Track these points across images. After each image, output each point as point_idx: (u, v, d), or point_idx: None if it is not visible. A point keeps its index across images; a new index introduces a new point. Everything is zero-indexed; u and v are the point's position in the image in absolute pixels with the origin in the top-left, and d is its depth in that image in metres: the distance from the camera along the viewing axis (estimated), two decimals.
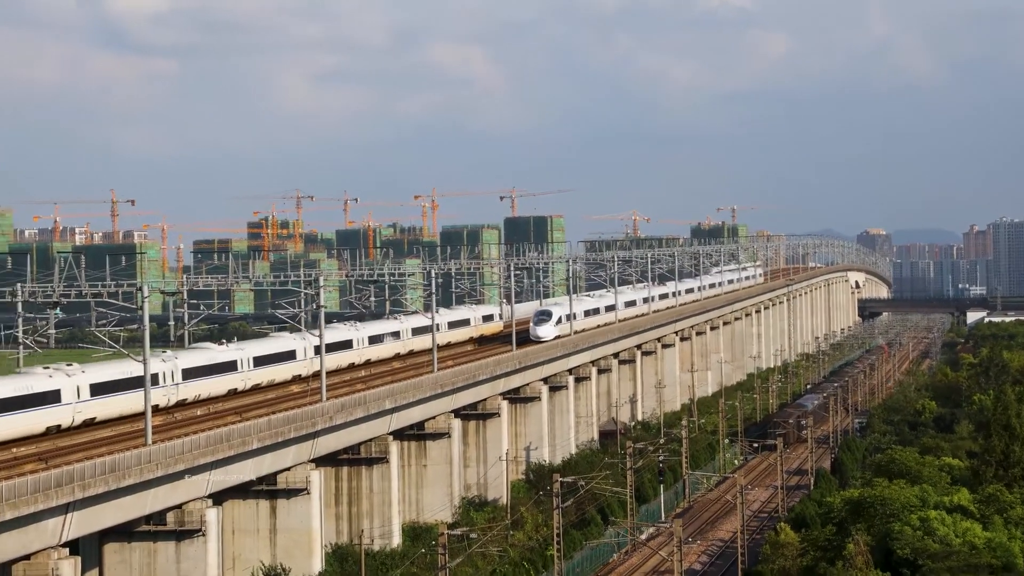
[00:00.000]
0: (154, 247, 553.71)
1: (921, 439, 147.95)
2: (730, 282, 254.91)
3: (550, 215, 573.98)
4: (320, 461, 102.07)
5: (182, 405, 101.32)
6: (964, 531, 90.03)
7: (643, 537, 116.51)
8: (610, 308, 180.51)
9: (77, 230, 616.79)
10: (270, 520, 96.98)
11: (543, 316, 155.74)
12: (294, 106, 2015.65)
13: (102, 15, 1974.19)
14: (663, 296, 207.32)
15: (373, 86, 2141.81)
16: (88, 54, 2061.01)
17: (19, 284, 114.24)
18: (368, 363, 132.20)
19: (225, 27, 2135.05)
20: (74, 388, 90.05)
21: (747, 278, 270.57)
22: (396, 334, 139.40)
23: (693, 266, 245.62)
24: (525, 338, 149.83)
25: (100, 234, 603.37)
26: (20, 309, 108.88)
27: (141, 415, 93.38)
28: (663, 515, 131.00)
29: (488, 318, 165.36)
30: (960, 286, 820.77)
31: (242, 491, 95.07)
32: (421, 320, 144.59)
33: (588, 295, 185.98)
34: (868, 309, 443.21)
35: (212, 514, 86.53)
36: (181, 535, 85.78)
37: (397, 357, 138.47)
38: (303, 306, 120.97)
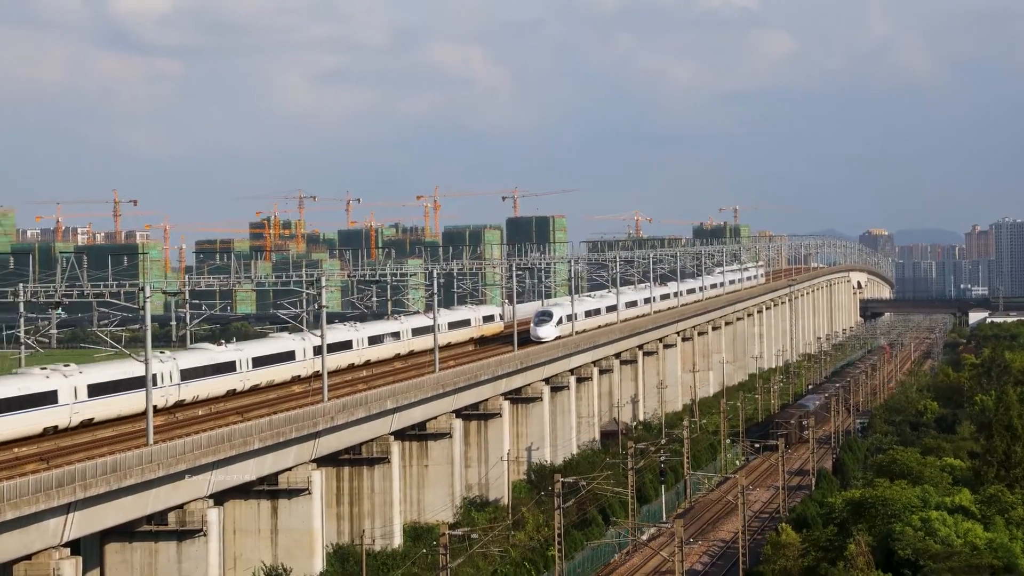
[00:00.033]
0: (156, 247, 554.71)
1: (923, 440, 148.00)
2: (732, 283, 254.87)
3: (552, 215, 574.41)
4: (321, 461, 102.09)
5: (180, 406, 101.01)
6: (965, 532, 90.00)
7: (644, 537, 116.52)
8: (611, 309, 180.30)
9: (79, 230, 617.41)
10: (271, 520, 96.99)
11: (544, 317, 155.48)
12: (296, 106, 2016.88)
13: (106, 15, 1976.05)
14: (664, 296, 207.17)
15: (375, 86, 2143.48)
16: (92, 54, 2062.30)
17: (21, 284, 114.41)
18: (368, 364, 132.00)
19: (228, 28, 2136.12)
20: (71, 389, 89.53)
21: (748, 278, 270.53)
22: (396, 335, 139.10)
23: (695, 266, 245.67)
24: (526, 339, 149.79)
25: (102, 234, 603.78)
26: (22, 309, 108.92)
27: (139, 416, 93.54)
28: (664, 515, 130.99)
29: (489, 318, 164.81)
30: (962, 286, 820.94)
31: (243, 491, 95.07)
32: (421, 321, 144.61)
33: (589, 295, 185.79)
34: (870, 309, 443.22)
35: (213, 514, 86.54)
36: (182, 535, 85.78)
37: (397, 358, 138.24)
38: (305, 306, 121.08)
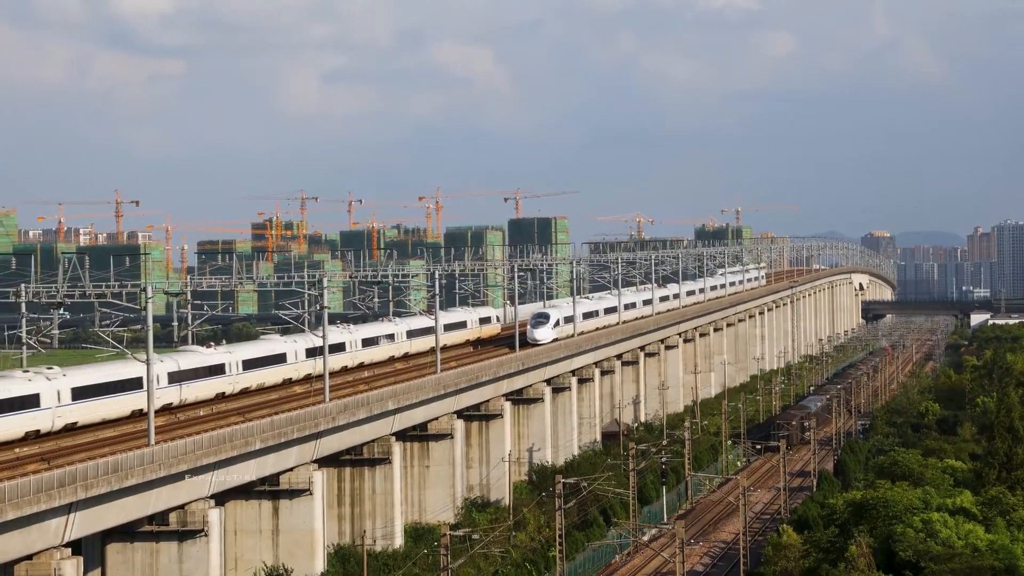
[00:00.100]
0: (158, 248, 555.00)
1: (924, 441, 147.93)
2: (732, 284, 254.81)
3: (554, 216, 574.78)
4: (323, 462, 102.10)
5: (167, 410, 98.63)
6: (966, 533, 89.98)
7: (645, 538, 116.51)
8: (609, 310, 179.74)
9: (81, 231, 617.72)
10: (272, 521, 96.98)
11: (540, 319, 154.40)
12: (299, 106, 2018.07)
13: (107, 15, 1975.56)
14: (663, 299, 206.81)
15: (378, 86, 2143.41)
16: (93, 54, 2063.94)
17: (23, 284, 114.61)
18: (361, 366, 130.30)
19: (231, 28, 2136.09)
20: (54, 392, 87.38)
21: (750, 280, 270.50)
22: (391, 336, 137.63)
23: (697, 268, 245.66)
24: (523, 341, 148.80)
25: (104, 235, 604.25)
26: (24, 309, 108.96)
27: (126, 420, 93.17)
28: (665, 516, 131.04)
29: (486, 320, 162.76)
30: (964, 288, 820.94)
31: (244, 492, 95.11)
32: (416, 323, 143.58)
33: (587, 297, 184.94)
34: (872, 311, 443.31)
35: (214, 514, 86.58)
36: (183, 535, 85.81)
37: (392, 360, 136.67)
38: (307, 307, 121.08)
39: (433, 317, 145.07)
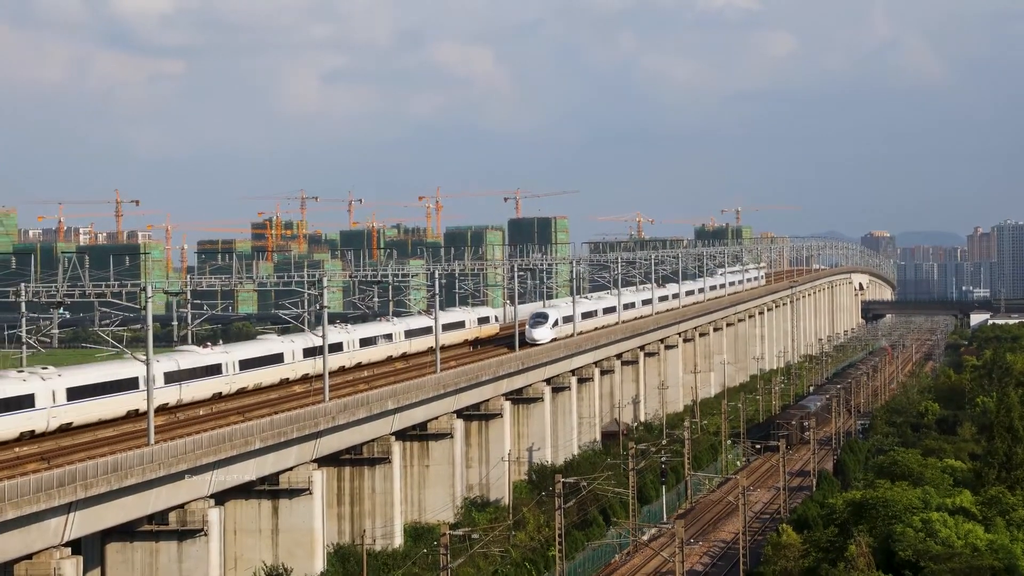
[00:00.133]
0: (158, 247, 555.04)
1: (924, 441, 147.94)
2: (732, 284, 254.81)
3: (554, 216, 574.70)
4: (322, 461, 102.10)
5: (164, 410, 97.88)
6: (966, 533, 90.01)
7: (645, 538, 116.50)
8: (608, 310, 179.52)
9: (81, 230, 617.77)
10: (272, 520, 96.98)
11: (539, 319, 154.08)
12: (299, 106, 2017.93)
13: (107, 15, 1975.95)
14: (663, 298, 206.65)
15: (378, 86, 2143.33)
16: (94, 54, 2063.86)
17: (23, 284, 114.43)
18: (359, 366, 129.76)
19: (231, 28, 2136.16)
20: (49, 392, 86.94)
21: (749, 280, 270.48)
22: (389, 336, 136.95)
23: (697, 268, 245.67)
24: (522, 341, 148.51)
25: (104, 234, 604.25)
26: (24, 309, 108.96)
27: (122, 420, 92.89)
28: (665, 516, 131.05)
29: (484, 320, 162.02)
30: (964, 288, 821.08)
31: (244, 491, 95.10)
32: (414, 322, 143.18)
33: (585, 297, 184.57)
34: (872, 311, 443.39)
35: (214, 514, 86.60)
36: (183, 535, 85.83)
37: (389, 360, 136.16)
38: (307, 307, 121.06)
39: (431, 317, 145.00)
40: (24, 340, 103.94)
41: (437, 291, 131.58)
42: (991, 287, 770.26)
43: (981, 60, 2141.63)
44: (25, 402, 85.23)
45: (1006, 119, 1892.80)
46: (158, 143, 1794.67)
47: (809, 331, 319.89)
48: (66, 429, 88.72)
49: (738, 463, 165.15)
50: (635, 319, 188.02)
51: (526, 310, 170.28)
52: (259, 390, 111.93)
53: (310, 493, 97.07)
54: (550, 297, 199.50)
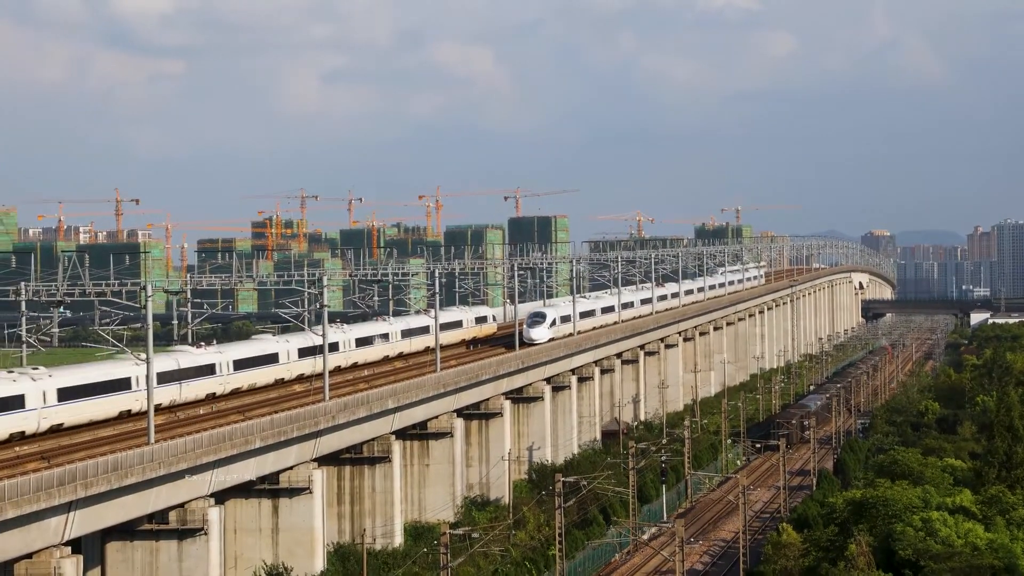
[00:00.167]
0: (158, 246, 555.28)
1: (924, 440, 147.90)
2: (731, 283, 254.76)
3: (554, 215, 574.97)
4: (322, 460, 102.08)
5: (156, 411, 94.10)
6: (966, 532, 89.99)
7: (645, 537, 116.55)
8: (606, 310, 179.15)
9: (81, 229, 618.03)
10: (272, 519, 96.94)
11: (537, 318, 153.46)
12: (299, 106, 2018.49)
13: (107, 15, 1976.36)
14: (662, 298, 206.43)
15: (378, 86, 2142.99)
16: (94, 54, 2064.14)
17: (23, 283, 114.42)
18: (355, 366, 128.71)
19: (231, 27, 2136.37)
20: (39, 393, 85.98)
21: (749, 279, 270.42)
22: (385, 336, 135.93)
23: (697, 267, 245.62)
24: (519, 340, 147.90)
25: (104, 233, 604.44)
26: (24, 308, 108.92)
27: (114, 421, 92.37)
28: (665, 515, 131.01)
29: (482, 320, 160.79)
30: (964, 287, 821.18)
31: (244, 490, 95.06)
32: (410, 322, 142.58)
33: (584, 297, 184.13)
34: (872, 310, 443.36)
35: (214, 513, 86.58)
36: (183, 534, 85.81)
37: (386, 360, 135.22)
38: (306, 306, 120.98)
39: (430, 316, 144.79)
40: (24, 339, 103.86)
41: (437, 290, 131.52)
42: (991, 286, 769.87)
43: (981, 60, 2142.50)
44: (15, 403, 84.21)
45: (1006, 119, 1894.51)
46: (158, 143, 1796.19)
47: (809, 330, 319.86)
48: (57, 430, 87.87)
49: (738, 462, 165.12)
50: (634, 319, 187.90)
51: (526, 309, 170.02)
52: (255, 390, 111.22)
53: (310, 492, 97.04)
54: (550, 296, 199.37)
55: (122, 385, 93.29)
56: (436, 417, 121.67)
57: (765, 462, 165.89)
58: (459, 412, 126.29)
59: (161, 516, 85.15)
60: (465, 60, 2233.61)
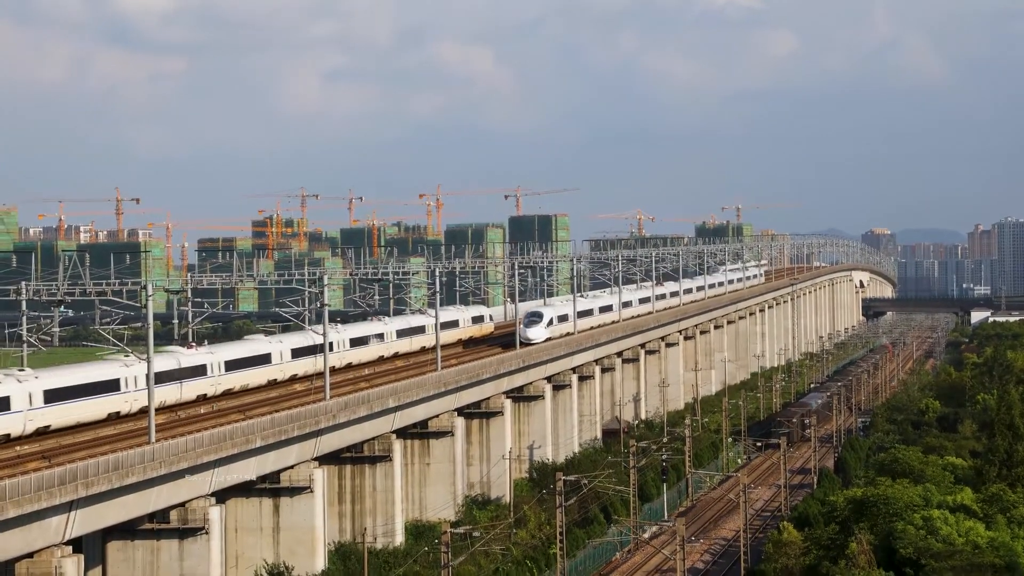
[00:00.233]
0: (159, 245, 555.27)
1: (924, 438, 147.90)
2: (731, 282, 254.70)
3: (555, 214, 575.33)
4: (323, 459, 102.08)
5: (146, 412, 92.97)
6: (967, 530, 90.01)
7: (646, 536, 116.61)
8: (604, 309, 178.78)
9: (82, 228, 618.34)
10: (273, 518, 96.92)
11: (534, 318, 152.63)
12: (300, 105, 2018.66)
13: (108, 13, 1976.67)
14: (661, 297, 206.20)
15: (379, 86, 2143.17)
16: (95, 53, 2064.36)
17: (24, 282, 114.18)
18: (349, 366, 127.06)
19: (232, 25, 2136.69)
20: (25, 395, 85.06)
21: (749, 277, 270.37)
22: (380, 336, 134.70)
23: (697, 265, 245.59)
24: (515, 340, 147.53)
25: (105, 232, 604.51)
26: (24, 307, 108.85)
27: (103, 423, 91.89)
28: (666, 514, 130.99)
29: (478, 319, 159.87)
30: (964, 286, 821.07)
31: (245, 489, 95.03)
32: (406, 322, 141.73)
33: (582, 296, 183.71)
34: (872, 308, 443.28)
35: (215, 512, 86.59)
36: (184, 533, 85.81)
37: (380, 360, 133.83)
38: (307, 305, 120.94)
39: (425, 315, 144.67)
40: (25, 339, 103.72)
41: (438, 289, 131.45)
42: (992, 284, 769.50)
43: (981, 60, 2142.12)
44: (0, 405, 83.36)
45: (1006, 119, 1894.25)
46: (158, 142, 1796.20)
47: (810, 328, 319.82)
48: (43, 432, 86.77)
49: (739, 461, 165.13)
50: (632, 318, 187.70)
51: (527, 307, 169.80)
52: (251, 390, 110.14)
53: (311, 491, 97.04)
54: (551, 295, 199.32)
55: (111, 386, 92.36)
56: (437, 416, 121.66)
57: (766, 461, 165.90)
58: (460, 411, 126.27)
59: (162, 515, 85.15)
60: (466, 59, 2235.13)
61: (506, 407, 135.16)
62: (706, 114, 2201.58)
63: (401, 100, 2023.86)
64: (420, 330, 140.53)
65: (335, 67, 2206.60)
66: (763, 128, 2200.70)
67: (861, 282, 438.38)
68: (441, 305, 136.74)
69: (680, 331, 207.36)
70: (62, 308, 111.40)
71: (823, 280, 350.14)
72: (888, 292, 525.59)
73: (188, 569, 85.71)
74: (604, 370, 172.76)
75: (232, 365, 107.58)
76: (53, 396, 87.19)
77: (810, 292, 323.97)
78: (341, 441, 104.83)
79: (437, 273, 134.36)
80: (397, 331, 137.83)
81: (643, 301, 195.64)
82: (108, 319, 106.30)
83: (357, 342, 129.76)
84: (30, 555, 73.15)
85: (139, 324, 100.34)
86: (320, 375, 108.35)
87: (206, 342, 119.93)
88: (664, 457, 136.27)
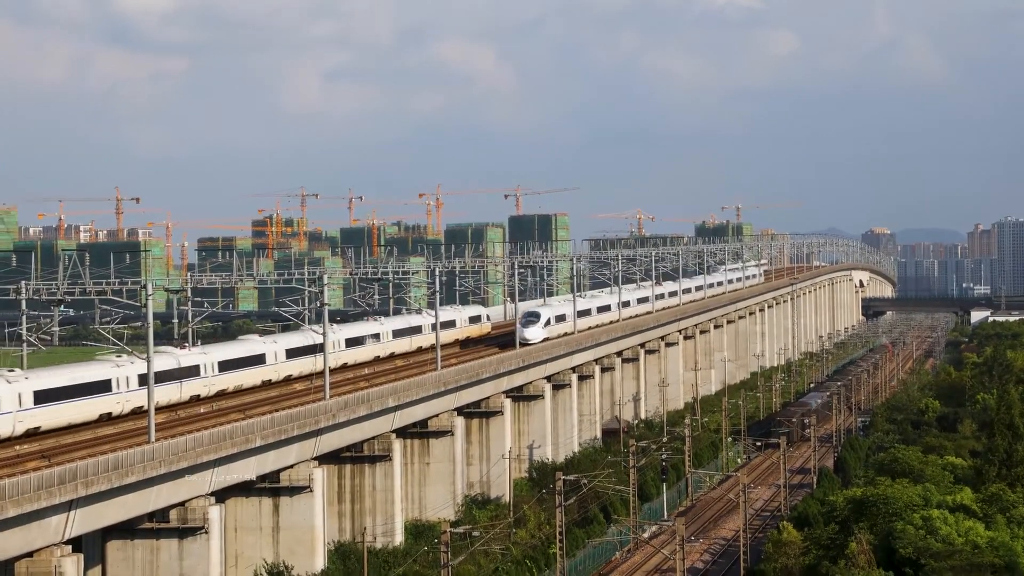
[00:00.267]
0: (158, 245, 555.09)
1: (924, 438, 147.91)
2: (731, 282, 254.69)
3: (555, 213, 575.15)
4: (323, 459, 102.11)
5: (137, 413, 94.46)
6: (967, 530, 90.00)
7: (645, 535, 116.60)
8: (602, 309, 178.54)
9: (82, 228, 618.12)
10: (273, 518, 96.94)
11: (531, 318, 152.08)
12: (300, 105, 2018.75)
13: (110, 13, 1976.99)
14: (659, 296, 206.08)
15: (379, 85, 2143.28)
16: (95, 53, 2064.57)
17: (23, 281, 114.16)
18: (344, 367, 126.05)
19: (233, 25, 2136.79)
20: (15, 395, 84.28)
21: (749, 277, 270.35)
22: (376, 336, 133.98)
23: (697, 265, 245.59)
24: (512, 340, 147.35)
25: (105, 232, 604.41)
26: (24, 306, 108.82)
27: (94, 424, 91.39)
28: (666, 513, 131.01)
29: (475, 319, 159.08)
30: (964, 285, 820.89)
31: (245, 489, 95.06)
32: (402, 322, 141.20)
33: (580, 296, 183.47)
34: (872, 308, 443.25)
35: (215, 512, 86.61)
36: (184, 533, 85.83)
37: (376, 360, 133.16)
38: (307, 304, 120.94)
39: (422, 315, 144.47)
40: (24, 338, 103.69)
41: (438, 288, 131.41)
42: (992, 284, 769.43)
43: (981, 60, 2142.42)
44: None
45: (1006, 119, 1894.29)
46: (159, 142, 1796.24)
47: (809, 328, 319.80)
48: (33, 434, 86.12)
49: (739, 460, 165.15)
50: (631, 318, 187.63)
51: (525, 308, 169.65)
52: (245, 391, 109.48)
53: (311, 491, 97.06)
54: (551, 295, 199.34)
55: (101, 387, 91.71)
56: (436, 415, 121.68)
57: (765, 460, 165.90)
58: (459, 410, 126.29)
59: (162, 515, 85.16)
60: (466, 59, 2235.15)
61: (506, 407, 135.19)
62: (706, 114, 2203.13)
63: (401, 99, 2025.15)
64: (417, 330, 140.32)
65: (335, 67, 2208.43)
66: (763, 128, 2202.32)
67: (861, 282, 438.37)
68: (441, 305, 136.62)
69: (680, 331, 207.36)
70: (62, 307, 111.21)
71: (823, 280, 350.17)
72: (888, 292, 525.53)
73: (188, 568, 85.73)
74: (604, 370, 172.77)
75: (226, 366, 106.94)
76: (43, 397, 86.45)
77: (810, 292, 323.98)
78: (341, 440, 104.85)
79: (437, 273, 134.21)
80: (393, 331, 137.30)
81: (641, 301, 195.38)
82: (108, 319, 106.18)
83: (352, 342, 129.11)
84: (30, 554, 73.17)
85: (139, 323, 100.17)
86: (317, 374, 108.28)
87: (199, 342, 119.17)
88: (664, 457, 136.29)
